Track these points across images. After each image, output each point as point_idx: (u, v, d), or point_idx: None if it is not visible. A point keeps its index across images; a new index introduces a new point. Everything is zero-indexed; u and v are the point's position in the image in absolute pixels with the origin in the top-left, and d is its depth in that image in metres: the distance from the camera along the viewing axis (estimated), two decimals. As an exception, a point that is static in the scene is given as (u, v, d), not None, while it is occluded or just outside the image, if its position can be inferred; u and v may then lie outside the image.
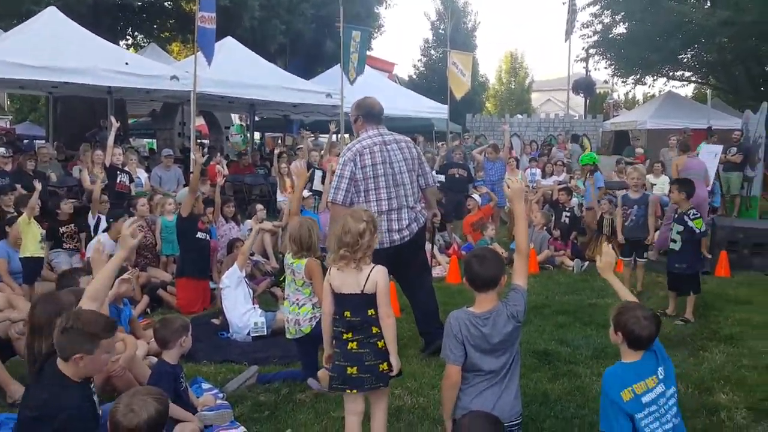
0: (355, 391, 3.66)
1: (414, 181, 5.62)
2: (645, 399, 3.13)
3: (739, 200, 13.39)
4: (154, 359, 5.00)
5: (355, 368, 3.61)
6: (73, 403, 3.12)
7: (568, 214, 10.71)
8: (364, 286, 3.63)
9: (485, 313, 3.27)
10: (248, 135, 18.29)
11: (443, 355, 3.32)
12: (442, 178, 11.75)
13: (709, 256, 9.15)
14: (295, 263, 4.89)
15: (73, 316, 3.17)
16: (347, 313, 3.67)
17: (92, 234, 8.42)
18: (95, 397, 3.37)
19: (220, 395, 4.77)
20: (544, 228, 10.04)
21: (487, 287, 3.29)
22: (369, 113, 5.65)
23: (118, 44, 17.55)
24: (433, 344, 5.64)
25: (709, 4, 18.81)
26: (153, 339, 4.80)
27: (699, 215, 6.99)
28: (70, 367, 3.14)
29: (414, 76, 38.42)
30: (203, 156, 8.68)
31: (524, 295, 3.34)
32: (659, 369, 3.22)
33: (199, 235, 7.61)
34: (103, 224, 8.25)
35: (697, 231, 6.92)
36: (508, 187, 3.55)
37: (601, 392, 3.30)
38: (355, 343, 3.66)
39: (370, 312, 3.66)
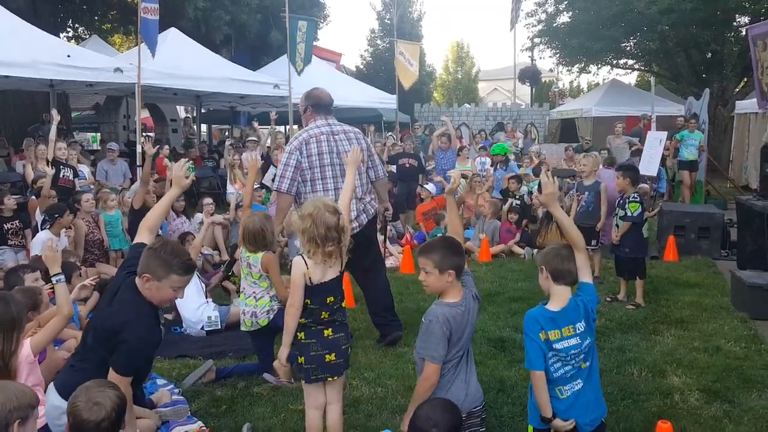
0: (336, 377, 3.66)
1: (363, 173, 5.54)
2: (557, 346, 3.18)
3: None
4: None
5: (333, 354, 3.63)
6: (147, 322, 3.44)
7: (518, 202, 10.80)
8: (342, 266, 3.72)
9: (460, 301, 3.27)
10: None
11: (425, 355, 3.20)
12: (393, 168, 11.73)
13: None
14: (251, 257, 4.88)
15: (161, 242, 3.54)
16: (330, 299, 3.68)
17: (39, 230, 8.17)
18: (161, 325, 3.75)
19: (176, 391, 4.69)
20: (495, 217, 10.08)
21: (460, 275, 3.29)
22: (318, 104, 5.60)
23: (59, 36, 17.07)
24: (390, 335, 5.67)
25: (650, -7, 19.18)
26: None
27: (637, 200, 7.12)
28: (141, 285, 3.42)
29: (361, 66, 38.36)
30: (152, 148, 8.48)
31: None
32: (579, 323, 3.23)
33: None
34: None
35: (629, 214, 7.05)
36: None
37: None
38: (330, 329, 3.67)
39: (342, 287, 3.79)
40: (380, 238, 6.62)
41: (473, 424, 3.29)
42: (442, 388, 3.24)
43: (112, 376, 3.28)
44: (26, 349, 3.86)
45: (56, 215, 7.41)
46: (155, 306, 3.52)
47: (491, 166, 12.55)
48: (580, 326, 3.23)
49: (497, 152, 12.47)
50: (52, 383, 3.64)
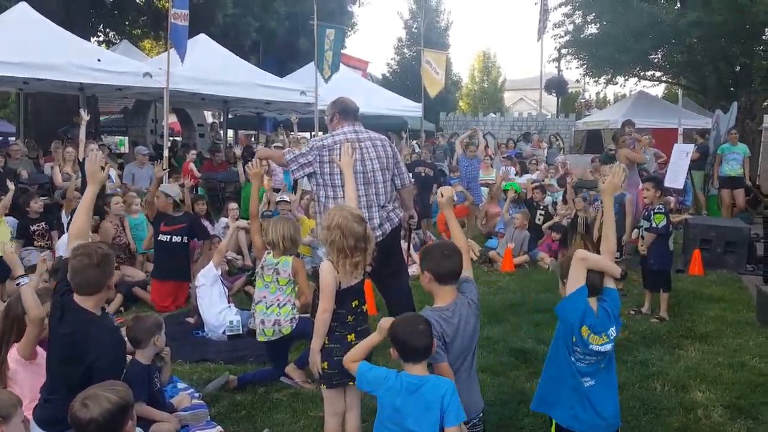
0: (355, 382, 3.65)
1: (387, 180, 5.44)
2: (592, 347, 3.20)
3: (704, 198, 13.58)
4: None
5: None
6: (104, 336, 3.33)
7: (542, 212, 10.75)
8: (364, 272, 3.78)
9: (446, 306, 3.27)
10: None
11: (430, 357, 3.19)
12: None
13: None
14: (280, 262, 4.91)
15: (95, 251, 3.35)
16: (355, 303, 3.76)
17: (66, 232, 8.30)
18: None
19: (196, 395, 4.72)
20: (525, 227, 10.04)
21: (452, 280, 3.30)
22: (344, 110, 5.52)
23: (90, 41, 17.32)
24: None
25: (679, 5, 19.03)
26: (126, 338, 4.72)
27: (662, 211, 7.07)
28: (96, 299, 3.34)
29: (388, 75, 38.49)
30: (170, 155, 8.55)
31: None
32: (611, 329, 3.25)
33: (161, 237, 7.49)
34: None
35: (654, 225, 7.01)
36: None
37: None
38: (353, 335, 3.70)
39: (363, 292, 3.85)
40: (404, 245, 6.61)
41: None
42: None
43: None
44: (13, 353, 3.97)
45: None
46: (106, 316, 3.51)
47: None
48: (612, 332, 3.27)
49: (507, 188, 11.30)
50: (33, 419, 3.57)
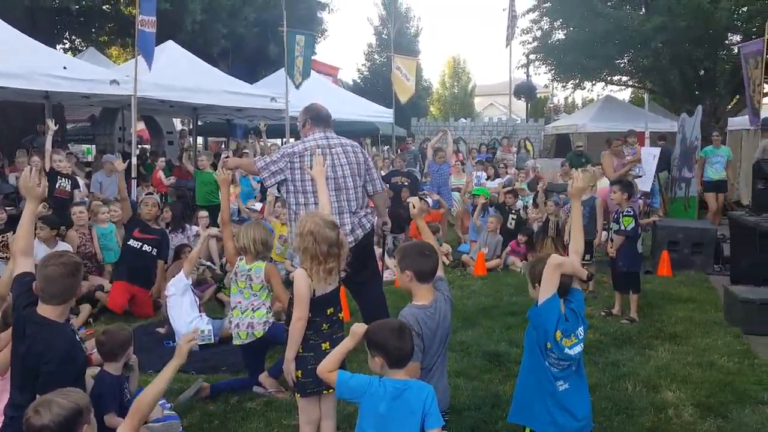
0: (330, 390, 3.63)
1: (358, 186, 5.48)
2: (566, 351, 3.24)
3: (666, 198, 13.71)
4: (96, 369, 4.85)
5: None
6: (58, 341, 3.32)
7: (515, 216, 10.82)
8: (338, 278, 3.78)
9: (428, 304, 3.35)
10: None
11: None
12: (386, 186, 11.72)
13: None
14: (253, 268, 4.92)
15: (69, 260, 3.37)
16: (330, 310, 3.75)
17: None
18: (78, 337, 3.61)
19: (168, 405, 4.64)
20: (497, 232, 10.09)
21: (431, 278, 3.41)
22: (316, 116, 5.56)
23: (56, 48, 17.07)
24: None
25: (644, 11, 19.27)
26: (95, 350, 4.64)
27: (631, 213, 7.17)
28: (62, 308, 3.34)
29: (359, 81, 38.47)
30: (125, 162, 8.36)
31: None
32: (579, 329, 3.29)
33: (132, 242, 7.48)
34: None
35: (623, 228, 7.09)
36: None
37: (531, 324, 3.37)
38: (327, 343, 3.68)
39: (339, 300, 3.84)
40: (378, 251, 6.63)
41: None
42: None
43: None
44: None
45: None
46: (66, 324, 3.49)
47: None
48: (580, 332, 3.31)
49: (477, 194, 11.39)
50: None
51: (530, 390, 3.35)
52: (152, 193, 9.38)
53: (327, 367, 3.13)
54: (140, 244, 7.49)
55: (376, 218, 5.84)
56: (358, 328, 3.09)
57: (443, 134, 14.43)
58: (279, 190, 5.74)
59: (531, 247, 9.85)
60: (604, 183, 11.37)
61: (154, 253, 7.57)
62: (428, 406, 2.91)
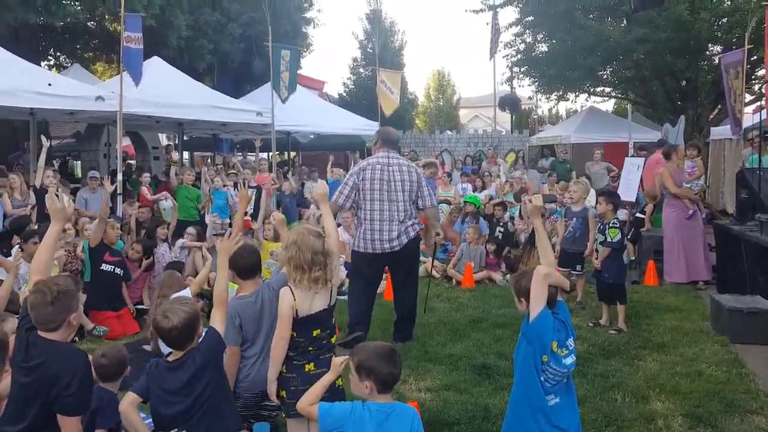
0: None
1: (407, 200, 6.38)
2: (563, 361, 3.27)
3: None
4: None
5: None
6: (82, 367, 3.29)
7: (502, 229, 10.86)
8: (330, 299, 3.72)
9: (252, 293, 4.06)
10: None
11: (225, 338, 3.57)
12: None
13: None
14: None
15: (51, 287, 3.27)
16: (317, 332, 3.67)
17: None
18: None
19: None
20: (480, 243, 10.10)
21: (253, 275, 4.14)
22: (386, 138, 6.64)
23: (40, 65, 17.02)
24: (401, 332, 6.55)
25: (625, 23, 19.47)
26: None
27: (617, 225, 7.21)
28: (59, 334, 3.30)
29: (344, 94, 38.49)
30: (112, 183, 8.40)
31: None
32: (569, 340, 3.33)
33: (105, 267, 7.59)
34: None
35: (609, 240, 7.14)
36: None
37: (525, 339, 3.36)
38: (312, 364, 3.65)
39: (332, 322, 3.82)
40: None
41: (266, 407, 4.11)
42: (247, 375, 4.02)
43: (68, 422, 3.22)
44: None
45: (25, 240, 7.25)
46: (73, 347, 3.51)
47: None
48: (570, 342, 3.34)
49: (469, 201, 11.37)
50: None
51: (522, 405, 3.35)
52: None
53: (308, 402, 3.12)
54: (112, 267, 7.69)
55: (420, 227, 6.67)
56: (338, 360, 3.20)
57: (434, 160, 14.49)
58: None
59: (499, 255, 9.94)
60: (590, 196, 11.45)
61: (122, 275, 7.81)
62: (416, 428, 2.93)
